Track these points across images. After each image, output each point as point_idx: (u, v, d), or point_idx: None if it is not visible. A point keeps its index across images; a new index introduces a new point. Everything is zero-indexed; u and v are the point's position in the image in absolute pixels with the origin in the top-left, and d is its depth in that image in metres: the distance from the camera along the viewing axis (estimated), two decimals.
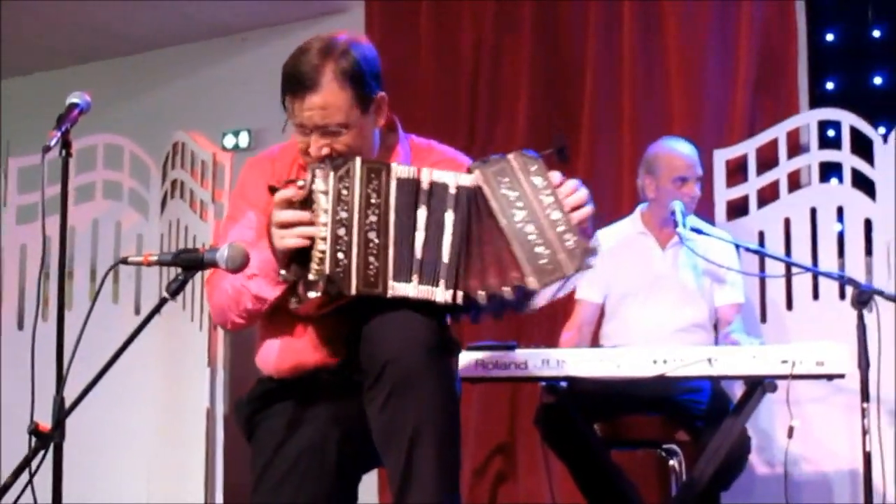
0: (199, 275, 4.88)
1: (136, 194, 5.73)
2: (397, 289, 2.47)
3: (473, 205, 2.53)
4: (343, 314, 2.55)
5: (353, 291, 2.45)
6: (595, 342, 4.53)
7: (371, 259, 2.46)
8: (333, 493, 2.69)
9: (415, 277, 2.48)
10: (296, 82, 2.59)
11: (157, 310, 2.52)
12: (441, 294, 2.48)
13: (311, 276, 2.46)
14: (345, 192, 2.48)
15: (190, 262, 2.49)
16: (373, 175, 2.50)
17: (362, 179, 2.49)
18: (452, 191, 2.52)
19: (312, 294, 2.46)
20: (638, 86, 5.46)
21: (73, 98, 2.96)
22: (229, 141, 6.75)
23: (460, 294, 2.49)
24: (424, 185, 2.52)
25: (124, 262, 2.58)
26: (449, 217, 2.51)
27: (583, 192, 2.59)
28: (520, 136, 5.67)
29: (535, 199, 2.52)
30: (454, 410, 2.52)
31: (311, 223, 2.47)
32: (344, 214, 2.47)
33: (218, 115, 6.80)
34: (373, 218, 2.48)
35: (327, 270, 2.44)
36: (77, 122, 2.92)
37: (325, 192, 2.48)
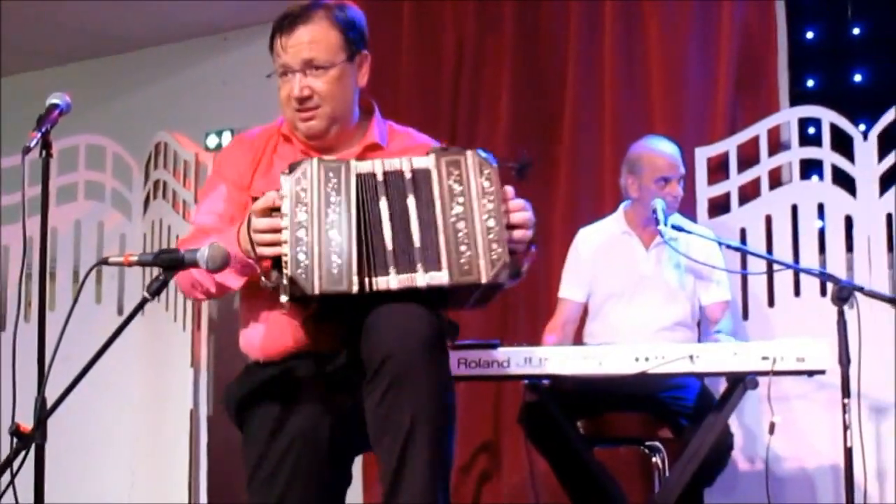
0: None
1: (119, 195, 5.73)
2: (375, 283, 2.48)
3: (425, 187, 2.55)
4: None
5: (316, 291, 2.45)
6: (578, 341, 4.54)
7: (334, 258, 2.46)
8: (328, 477, 2.70)
9: (392, 269, 2.49)
10: (286, 18, 2.68)
11: (137, 310, 2.52)
12: (421, 279, 2.49)
13: (283, 281, 2.48)
14: (303, 193, 2.49)
15: (170, 263, 2.49)
16: (331, 174, 2.51)
17: (320, 179, 2.50)
18: (408, 175, 2.54)
19: (283, 298, 2.48)
20: (619, 84, 5.47)
21: (54, 99, 2.96)
22: (212, 141, 6.74)
23: (441, 273, 2.50)
24: (380, 176, 2.53)
25: (105, 262, 2.58)
26: (411, 202, 2.52)
27: (528, 215, 2.61)
28: (501, 136, 5.69)
29: (477, 200, 2.53)
30: (451, 405, 2.53)
31: (279, 230, 2.49)
32: (303, 217, 2.48)
33: (200, 116, 6.79)
34: (333, 217, 2.48)
35: (289, 273, 2.45)
36: (57, 122, 2.92)
37: (285, 196, 2.49)
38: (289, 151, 2.77)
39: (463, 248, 2.50)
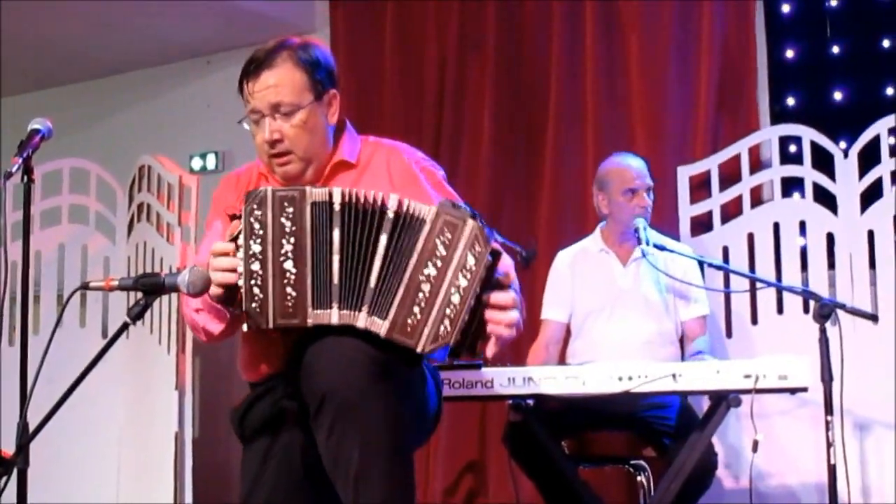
0: (165, 298, 4.93)
1: (103, 218, 5.72)
2: (317, 316, 2.43)
3: (411, 235, 2.46)
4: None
5: (270, 325, 2.43)
6: (562, 361, 4.55)
7: (289, 290, 2.42)
8: (307, 499, 2.67)
9: (335, 304, 2.44)
10: (251, 64, 2.68)
11: (119, 333, 2.52)
12: (363, 320, 2.43)
13: (240, 311, 2.47)
14: (257, 224, 2.44)
15: (151, 287, 2.48)
16: (286, 202, 2.45)
17: (275, 209, 2.45)
18: (391, 214, 2.46)
19: (244, 327, 2.46)
20: (601, 104, 5.50)
21: (35, 124, 2.97)
22: (196, 164, 6.75)
23: (383, 322, 2.42)
24: (337, 206, 2.46)
25: (86, 287, 2.58)
26: (384, 241, 2.46)
27: (508, 319, 2.47)
28: (484, 154, 5.72)
29: (453, 271, 2.41)
30: (403, 435, 2.49)
31: (231, 258, 2.47)
32: (257, 248, 2.43)
33: (184, 138, 6.80)
34: (288, 247, 2.44)
35: (244, 306, 2.43)
36: (39, 147, 2.93)
37: (240, 228, 2.46)
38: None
39: (416, 309, 2.41)
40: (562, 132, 5.59)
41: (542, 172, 5.61)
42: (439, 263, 2.42)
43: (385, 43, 6.10)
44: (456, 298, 2.40)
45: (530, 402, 3.98)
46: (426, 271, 2.42)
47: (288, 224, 2.44)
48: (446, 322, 2.40)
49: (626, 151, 4.67)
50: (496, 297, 2.47)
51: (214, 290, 2.49)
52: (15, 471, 2.64)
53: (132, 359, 5.41)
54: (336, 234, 2.45)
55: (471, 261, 2.41)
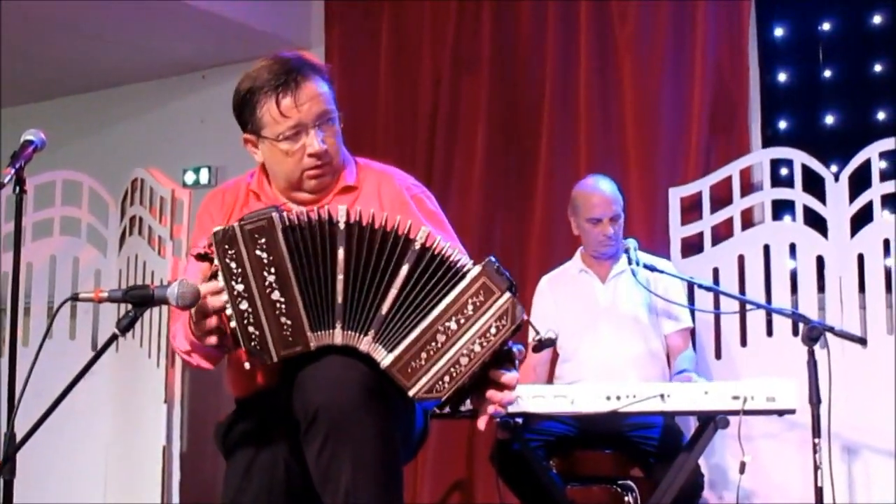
0: (155, 311, 4.92)
1: (95, 230, 5.72)
2: (320, 337, 2.41)
3: (437, 277, 2.41)
4: None
5: (275, 359, 2.40)
6: (550, 382, 4.55)
7: (283, 319, 2.39)
8: None
9: (338, 323, 2.41)
10: (288, 75, 2.60)
11: (107, 345, 2.51)
12: (367, 345, 2.41)
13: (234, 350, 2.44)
14: (233, 264, 2.39)
15: (140, 299, 2.47)
16: (256, 234, 2.40)
17: (247, 243, 2.40)
18: (416, 247, 2.41)
19: (246, 365, 2.43)
20: (594, 126, 5.52)
21: (28, 135, 2.97)
22: (189, 178, 6.75)
23: (387, 355, 2.39)
24: (342, 225, 2.41)
25: (76, 298, 2.57)
26: (405, 271, 2.41)
27: (507, 401, 2.46)
28: (477, 176, 5.73)
29: (473, 334, 2.38)
30: (394, 455, 2.47)
31: (218, 295, 2.41)
32: (240, 287, 2.39)
33: (178, 153, 6.81)
34: (271, 278, 2.40)
35: (243, 347, 2.40)
36: (31, 159, 2.93)
37: (218, 270, 2.41)
38: (258, 208, 2.64)
39: (424, 355, 2.37)
40: (555, 152, 5.61)
41: (534, 192, 5.63)
42: (462, 321, 2.39)
43: (380, 61, 6.11)
44: (465, 361, 2.38)
45: (519, 420, 3.98)
46: (447, 324, 2.39)
47: (264, 255, 2.40)
48: (446, 378, 2.38)
49: (601, 174, 4.68)
50: (505, 377, 2.46)
51: (210, 341, 2.45)
52: (1, 481, 2.63)
53: (121, 371, 5.41)
54: (341, 252, 2.42)
55: (493, 331, 2.38)
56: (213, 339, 2.44)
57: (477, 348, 2.38)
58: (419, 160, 5.87)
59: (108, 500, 5.41)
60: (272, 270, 2.40)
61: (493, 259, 2.44)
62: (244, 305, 2.39)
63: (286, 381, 2.49)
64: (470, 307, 2.39)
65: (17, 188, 2.90)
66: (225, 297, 2.40)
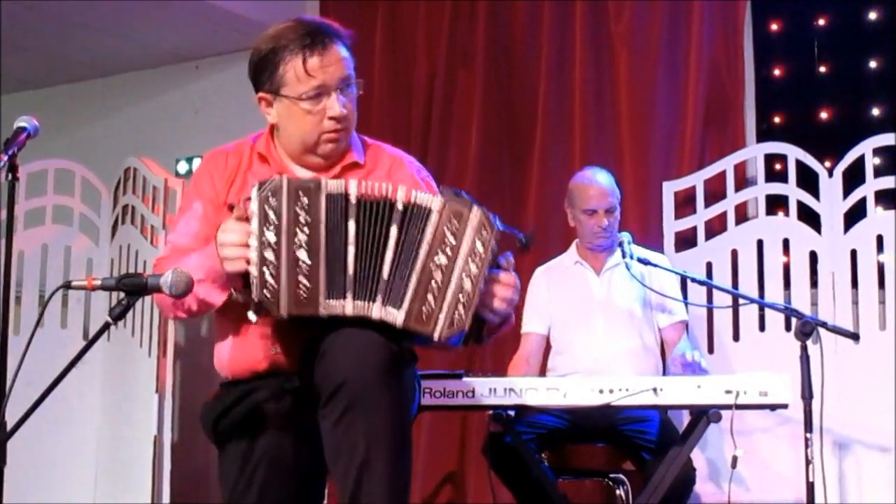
0: (147, 300, 4.91)
1: (87, 219, 5.71)
2: (331, 306, 2.44)
3: (418, 224, 2.48)
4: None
5: (284, 314, 2.43)
6: (543, 374, 4.55)
7: (302, 279, 2.43)
8: (296, 499, 2.66)
9: (349, 294, 2.45)
10: (316, 36, 2.60)
11: (100, 333, 2.51)
12: (378, 311, 2.45)
13: (253, 298, 2.45)
14: (271, 213, 2.43)
15: (133, 287, 2.47)
16: (301, 192, 2.45)
17: (290, 198, 2.45)
18: (400, 206, 2.47)
19: (252, 317, 2.46)
20: (589, 120, 5.51)
21: (21, 122, 2.96)
22: (182, 167, 6.74)
23: (398, 312, 2.45)
24: (353, 198, 2.47)
25: (68, 286, 2.56)
26: (394, 232, 2.47)
27: (513, 292, 2.53)
28: (471, 169, 5.72)
29: (464, 258, 2.45)
30: (407, 429, 2.51)
31: (246, 245, 2.45)
32: (271, 236, 2.43)
33: (171, 142, 6.79)
34: (302, 237, 2.44)
35: (256, 295, 2.42)
36: (24, 146, 2.92)
37: (254, 214, 2.44)
38: (265, 171, 2.70)
39: (430, 297, 2.44)
40: (549, 147, 5.60)
41: (528, 187, 5.63)
42: (449, 251, 2.46)
43: (374, 56, 6.10)
44: (468, 284, 2.45)
45: (511, 412, 3.98)
46: (437, 259, 2.46)
47: (303, 214, 2.45)
48: (460, 308, 2.44)
49: (598, 166, 4.68)
50: (504, 277, 2.52)
51: (232, 267, 2.47)
52: None
53: (112, 361, 5.40)
54: (351, 225, 2.46)
55: (479, 247, 2.46)
56: (231, 267, 2.47)
57: (473, 268, 2.45)
58: (413, 154, 5.67)
59: (99, 490, 5.41)
60: (305, 231, 2.45)
61: (446, 187, 2.53)
62: (269, 255, 2.43)
63: (310, 356, 2.50)
64: (450, 236, 2.47)
65: (10, 175, 2.89)
66: (245, 252, 2.44)
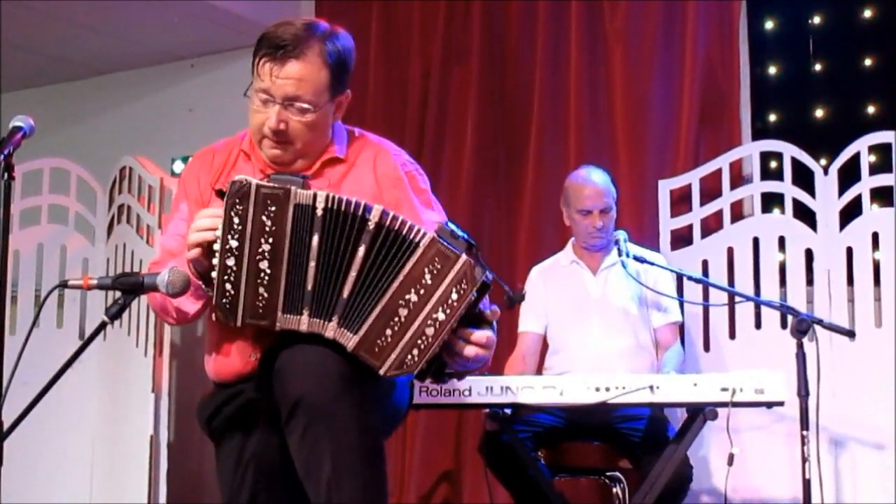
0: (142, 300, 4.91)
1: (83, 219, 5.70)
2: (287, 321, 2.41)
3: (400, 256, 2.41)
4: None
5: (238, 323, 2.41)
6: (539, 373, 4.55)
7: (261, 290, 2.39)
8: (286, 500, 2.65)
9: (305, 310, 2.41)
10: (279, 46, 2.54)
11: (96, 333, 2.51)
12: (332, 331, 2.40)
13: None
14: (237, 219, 2.39)
15: (129, 287, 2.47)
16: (269, 201, 2.39)
17: (257, 205, 2.39)
18: (371, 226, 2.40)
19: (213, 317, 2.44)
20: (584, 117, 5.52)
21: (17, 122, 2.94)
22: (178, 166, 6.72)
23: (352, 337, 2.39)
24: (319, 210, 2.40)
25: (64, 285, 2.56)
26: (362, 252, 2.40)
27: (479, 355, 2.45)
28: (466, 166, 5.72)
29: (434, 303, 2.37)
30: (375, 439, 2.47)
31: (214, 228, 2.42)
32: (234, 243, 2.39)
33: (166, 141, 6.78)
34: (266, 247, 2.39)
35: (214, 300, 2.41)
36: (20, 145, 2.90)
37: (219, 219, 2.40)
38: (247, 169, 2.68)
39: (388, 331, 2.37)
40: (544, 145, 5.60)
41: (523, 185, 5.62)
42: (422, 292, 2.38)
43: (369, 53, 6.09)
44: (430, 331, 2.37)
45: (507, 411, 3.98)
46: (407, 296, 2.38)
47: (269, 223, 2.40)
48: (415, 352, 2.37)
49: (594, 165, 4.67)
50: (475, 335, 2.45)
51: (192, 246, 2.44)
52: None
53: (108, 360, 5.39)
54: (315, 239, 2.41)
55: (454, 297, 2.36)
56: (195, 253, 2.44)
57: (441, 316, 2.36)
58: (408, 152, 5.82)
59: (95, 490, 5.40)
60: (270, 241, 2.40)
61: (447, 224, 2.43)
62: (231, 262, 2.40)
63: (267, 368, 2.49)
64: (427, 277, 2.38)
65: (6, 174, 2.87)
66: (210, 233, 2.41)
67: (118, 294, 2.49)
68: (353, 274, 2.40)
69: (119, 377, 5.37)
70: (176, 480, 5.26)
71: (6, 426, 2.57)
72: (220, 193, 2.46)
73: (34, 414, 2.50)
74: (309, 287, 2.41)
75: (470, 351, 2.44)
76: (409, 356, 2.37)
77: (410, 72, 6.02)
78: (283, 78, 2.55)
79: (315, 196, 2.42)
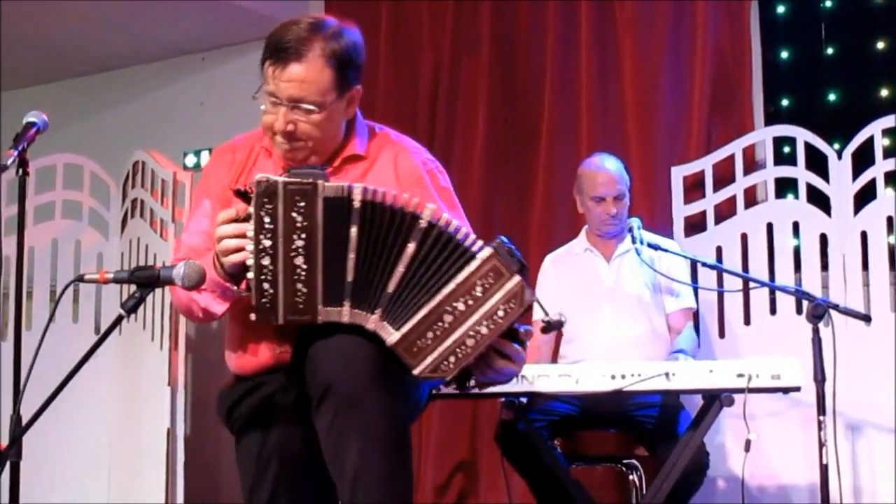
0: (158, 293, 4.93)
1: (96, 214, 5.72)
2: (328, 313, 2.41)
3: (454, 262, 2.41)
4: None
5: (281, 321, 2.41)
6: (554, 362, 4.55)
7: (299, 286, 2.39)
8: (309, 491, 2.66)
9: (346, 302, 2.41)
10: (280, 49, 2.54)
11: (113, 327, 2.51)
12: (374, 323, 2.40)
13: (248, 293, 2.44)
14: (267, 218, 2.38)
15: (146, 280, 2.47)
16: (297, 197, 2.38)
17: (286, 202, 2.38)
18: (423, 224, 2.39)
19: (252, 317, 2.44)
20: (595, 106, 5.50)
21: (31, 117, 2.96)
22: (190, 160, 6.74)
23: (394, 332, 2.39)
24: (357, 203, 2.39)
25: (81, 279, 2.57)
26: (411, 249, 2.40)
27: (510, 370, 2.48)
28: (477, 158, 5.71)
29: (479, 315, 2.36)
30: (403, 426, 2.48)
31: (243, 236, 2.42)
32: (267, 242, 2.38)
33: (178, 135, 6.79)
34: (299, 242, 2.39)
35: (254, 301, 2.40)
36: (34, 141, 2.92)
37: (251, 217, 2.40)
38: (268, 166, 2.68)
39: (430, 334, 2.37)
40: (556, 133, 5.59)
41: (535, 175, 5.62)
42: (470, 303, 2.38)
43: (379, 46, 6.09)
44: (471, 342, 2.38)
45: (523, 400, 3.99)
46: (455, 304, 2.38)
47: (299, 219, 2.39)
48: (451, 359, 2.38)
49: (607, 153, 4.67)
50: (509, 349, 2.47)
51: (230, 266, 2.46)
52: (8, 464, 2.63)
53: (124, 354, 5.41)
54: (353, 231, 2.40)
55: (500, 314, 2.38)
56: (234, 265, 2.44)
57: (484, 330, 2.38)
58: (419, 143, 5.83)
59: (113, 483, 5.42)
60: (303, 236, 2.39)
61: (504, 240, 2.42)
62: (266, 261, 2.39)
63: (300, 356, 2.49)
64: (479, 289, 2.38)
65: (20, 170, 2.89)
66: (244, 242, 2.41)
67: (134, 288, 2.50)
68: (400, 269, 2.40)
69: (135, 371, 5.39)
70: (193, 473, 5.28)
71: (25, 420, 2.59)
72: (239, 193, 2.46)
73: (51, 408, 2.51)
74: (349, 278, 2.41)
75: (500, 364, 2.47)
76: (445, 362, 2.38)
77: (421, 64, 6.01)
78: (286, 81, 2.55)
79: (350, 189, 2.41)
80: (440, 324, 2.38)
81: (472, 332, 2.38)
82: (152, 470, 5.14)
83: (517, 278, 2.39)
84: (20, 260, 2.95)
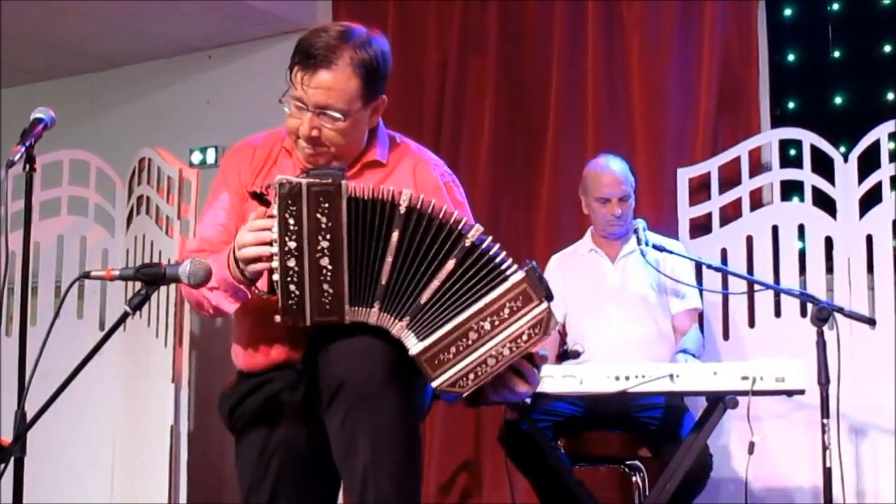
0: (163, 290, 4.93)
1: (102, 210, 5.73)
2: (356, 313, 2.42)
3: (480, 275, 2.42)
4: None
5: (308, 322, 2.41)
6: (558, 362, 4.55)
7: (325, 287, 2.40)
8: (312, 489, 2.67)
9: (377, 303, 2.42)
10: (309, 55, 2.57)
11: (118, 324, 2.52)
12: (399, 329, 2.41)
13: (267, 294, 2.45)
14: (292, 220, 2.39)
15: (151, 277, 2.47)
16: (321, 198, 2.40)
17: (310, 204, 2.40)
18: (468, 243, 2.42)
19: (277, 318, 2.44)
20: (602, 107, 5.50)
21: (38, 113, 2.96)
22: (196, 157, 6.74)
23: (417, 343, 2.40)
24: (402, 209, 2.41)
25: (87, 276, 2.57)
26: (450, 265, 2.41)
27: (523, 391, 2.51)
28: (483, 158, 5.72)
29: (503, 337, 2.40)
30: (413, 426, 2.50)
31: (267, 243, 2.43)
32: (293, 244, 2.39)
33: (185, 132, 6.79)
34: (324, 243, 2.40)
35: (280, 304, 2.41)
36: (41, 137, 2.92)
37: (274, 220, 2.41)
38: (288, 166, 2.71)
39: (453, 349, 2.39)
40: (562, 134, 5.59)
41: (541, 175, 5.62)
42: (496, 323, 2.40)
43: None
44: (492, 362, 2.40)
45: (527, 400, 3.98)
46: (482, 323, 2.40)
47: (323, 220, 2.40)
48: (471, 376, 2.40)
49: (612, 153, 4.67)
50: (525, 370, 2.49)
51: (251, 274, 2.47)
52: (12, 460, 2.64)
53: (129, 351, 5.42)
54: (395, 235, 2.42)
55: (524, 337, 2.40)
56: (260, 266, 2.44)
57: (506, 352, 2.40)
58: (425, 143, 5.74)
59: (117, 480, 5.43)
60: (328, 237, 2.40)
61: (535, 265, 2.44)
62: (292, 263, 2.40)
63: (310, 354, 2.50)
64: (507, 310, 2.40)
65: (28, 166, 2.89)
66: (268, 248, 2.42)
67: (139, 285, 2.50)
68: (435, 283, 2.42)
69: (139, 368, 5.39)
70: (197, 470, 5.29)
71: (30, 416, 2.59)
72: (255, 196, 2.48)
73: (56, 404, 2.51)
74: (383, 281, 2.42)
75: (515, 384, 2.49)
76: (464, 379, 2.40)
77: (427, 62, 6.01)
78: (313, 87, 2.58)
79: (397, 194, 2.43)
80: (464, 340, 2.40)
81: (494, 353, 2.40)
82: (156, 467, 5.15)
83: (545, 304, 2.41)
84: (26, 255, 2.94)
